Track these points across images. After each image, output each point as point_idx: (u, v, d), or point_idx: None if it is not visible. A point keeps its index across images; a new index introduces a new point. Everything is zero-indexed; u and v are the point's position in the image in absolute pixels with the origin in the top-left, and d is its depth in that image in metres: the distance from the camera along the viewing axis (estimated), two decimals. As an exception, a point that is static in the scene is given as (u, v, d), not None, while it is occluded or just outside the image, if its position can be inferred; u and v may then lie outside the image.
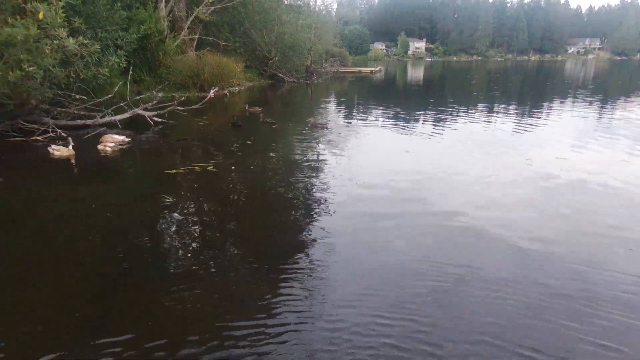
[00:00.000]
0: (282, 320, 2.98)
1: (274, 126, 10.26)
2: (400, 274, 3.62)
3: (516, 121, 11.67)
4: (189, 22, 18.29)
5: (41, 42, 7.03)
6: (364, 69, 38.04)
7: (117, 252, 3.88)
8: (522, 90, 23.91)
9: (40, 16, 6.93)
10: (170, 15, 17.56)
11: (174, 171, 6.26)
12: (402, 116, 12.60)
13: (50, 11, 7.04)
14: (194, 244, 4.10)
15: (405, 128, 10.44)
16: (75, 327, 2.83)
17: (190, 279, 3.43)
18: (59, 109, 8.91)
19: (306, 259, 3.86)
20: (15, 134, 7.86)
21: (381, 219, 4.76)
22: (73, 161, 6.72)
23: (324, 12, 38.13)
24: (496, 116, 12.78)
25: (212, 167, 6.50)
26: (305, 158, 7.33)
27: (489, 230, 4.45)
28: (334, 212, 4.94)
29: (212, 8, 18.92)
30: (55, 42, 7.22)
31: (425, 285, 3.43)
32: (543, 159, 7.35)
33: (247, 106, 12.41)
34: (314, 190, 5.71)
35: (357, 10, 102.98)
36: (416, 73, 42.31)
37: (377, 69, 38.91)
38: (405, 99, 18.99)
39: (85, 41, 7.82)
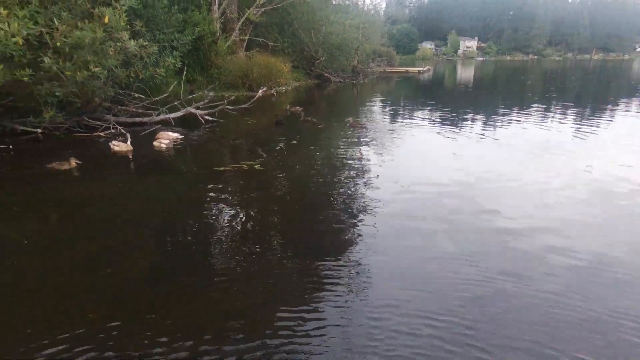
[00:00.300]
0: (322, 316, 3.01)
1: (320, 126, 10.33)
2: (443, 278, 3.54)
3: (575, 124, 10.98)
4: (240, 23, 18.83)
5: (106, 44, 7.52)
6: (411, 69, 37.38)
7: (167, 243, 4.08)
8: (582, 91, 22.46)
9: (106, 20, 7.41)
10: (223, 17, 18.16)
11: (222, 168, 6.48)
12: (450, 118, 12.26)
13: (115, 15, 7.51)
14: (239, 239, 4.22)
15: (453, 130, 10.14)
16: (126, 312, 3.01)
17: (234, 273, 3.54)
18: (119, 106, 9.51)
19: (348, 258, 3.87)
20: (80, 130, 8.47)
21: (425, 222, 4.67)
22: (131, 156, 7.14)
23: (372, 11, 37.86)
24: (552, 119, 12.10)
25: (258, 165, 6.66)
26: (349, 158, 7.33)
27: (541, 241, 4.22)
28: (377, 213, 4.90)
29: (263, 9, 19.36)
30: (118, 44, 7.69)
31: (469, 291, 3.33)
32: (605, 165, 6.86)
33: (288, 106, 12.80)
34: (357, 190, 5.70)
35: (406, 9, 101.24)
36: (466, 73, 40.95)
37: (425, 68, 38.09)
38: (454, 100, 18.44)
39: (145, 43, 8.26)
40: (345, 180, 6.15)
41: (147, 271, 3.62)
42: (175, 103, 10.23)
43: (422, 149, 8.46)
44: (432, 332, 2.82)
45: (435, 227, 4.54)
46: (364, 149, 8.06)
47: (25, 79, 6.73)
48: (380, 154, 7.75)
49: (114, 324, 2.86)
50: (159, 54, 9.31)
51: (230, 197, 5.40)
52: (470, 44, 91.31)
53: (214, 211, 4.93)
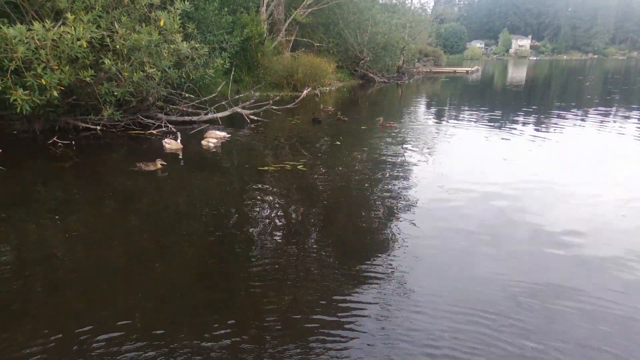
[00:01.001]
0: (360, 319, 3.00)
1: (362, 127, 10.26)
2: (485, 288, 3.42)
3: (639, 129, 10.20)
4: (286, 24, 19.10)
5: (160, 46, 7.87)
6: (458, 69, 36.29)
7: (214, 240, 4.20)
8: (649, 93, 20.80)
9: (161, 23, 7.76)
10: (270, 18, 18.50)
11: (266, 168, 6.59)
12: (500, 120, 11.76)
13: (170, 18, 7.85)
14: (282, 238, 4.27)
15: (503, 133, 9.71)
16: (177, 307, 3.13)
17: (277, 271, 3.58)
18: (170, 106, 9.92)
19: (388, 262, 3.82)
20: (135, 127, 8.93)
21: (470, 229, 4.51)
22: (181, 154, 7.43)
23: (419, 10, 37.09)
24: (614, 123, 11.29)
25: (302, 165, 6.71)
26: (393, 159, 7.22)
27: (593, 255, 3.95)
28: (420, 215, 4.82)
29: (309, 10, 19.53)
30: (171, 46, 8.03)
31: (514, 302, 3.20)
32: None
33: (322, 105, 13.28)
34: (400, 192, 5.61)
35: (455, 7, 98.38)
36: (517, 73, 39.17)
37: (473, 68, 36.84)
38: (504, 102, 17.67)
39: (196, 45, 8.57)
40: (387, 182, 6.07)
41: (194, 267, 3.74)
42: (223, 103, 10.54)
43: (469, 152, 8.17)
44: (468, 341, 2.72)
45: (479, 234, 4.40)
46: (408, 150, 7.91)
47: (88, 79, 7.19)
48: (425, 156, 7.58)
49: (160, 318, 2.98)
50: (208, 55, 9.62)
51: (273, 197, 5.48)
52: (523, 43, 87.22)
53: (258, 210, 5.02)
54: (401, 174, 6.47)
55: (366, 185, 6.00)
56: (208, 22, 11.27)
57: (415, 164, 7.00)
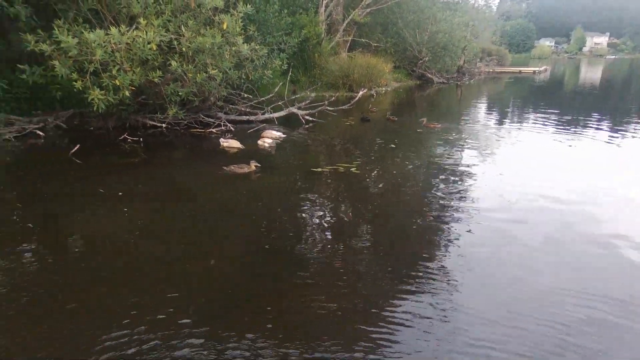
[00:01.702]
0: (407, 329, 2.92)
1: (418, 130, 9.99)
2: (544, 300, 3.23)
3: None
4: (344, 24, 19.08)
5: (223, 48, 8.17)
6: (524, 69, 34.27)
7: (264, 240, 4.27)
8: None
9: (225, 26, 8.05)
10: (328, 19, 18.57)
11: (319, 169, 6.61)
12: (569, 124, 10.92)
13: (232, 21, 8.13)
14: (330, 242, 4.25)
15: (572, 138, 9.01)
16: (225, 304, 3.22)
17: (323, 275, 3.57)
18: (230, 105, 10.28)
19: (440, 270, 3.70)
20: (196, 126, 9.36)
21: (529, 239, 4.27)
22: (238, 153, 7.66)
23: (483, 7, 35.46)
24: None
25: (355, 168, 6.66)
26: (450, 164, 6.94)
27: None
28: (476, 225, 4.59)
29: (368, 10, 19.36)
30: (233, 48, 8.31)
31: (575, 318, 2.99)
32: None
33: (370, 106, 13.21)
34: (455, 199, 5.38)
35: (523, 3, 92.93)
36: (592, 73, 36.24)
37: (541, 68, 34.60)
38: (574, 104, 16.41)
39: (256, 46, 8.80)
40: (443, 187, 5.86)
41: (244, 266, 3.82)
42: (279, 103, 10.75)
43: (533, 157, 7.68)
44: (525, 349, 2.55)
45: (539, 244, 4.17)
46: (467, 155, 7.59)
47: (156, 80, 7.64)
48: (485, 160, 7.22)
49: (208, 314, 3.07)
50: (267, 56, 9.84)
51: (325, 199, 5.48)
52: (599, 40, 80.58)
53: (309, 211, 5.04)
54: (458, 179, 6.21)
55: (420, 190, 5.82)
56: (268, 24, 11.53)
57: (473, 169, 6.69)
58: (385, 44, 21.10)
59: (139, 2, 7.48)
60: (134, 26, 7.51)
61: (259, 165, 6.42)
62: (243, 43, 8.36)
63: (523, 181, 6.18)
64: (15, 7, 7.31)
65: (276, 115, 10.16)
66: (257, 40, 9.94)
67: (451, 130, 9.97)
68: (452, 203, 5.29)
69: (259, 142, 8.19)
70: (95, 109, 7.34)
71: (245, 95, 10.66)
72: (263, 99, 10.81)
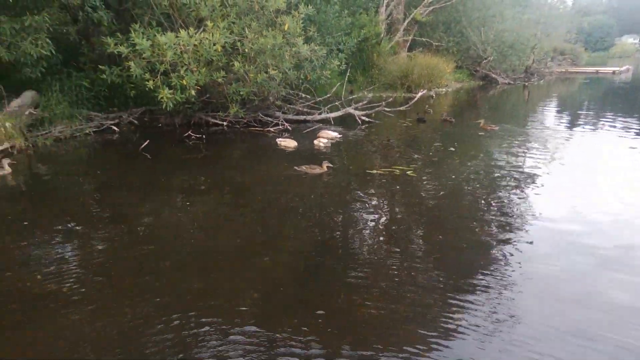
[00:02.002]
0: (459, 342, 2.80)
1: (480, 133, 9.55)
2: (611, 319, 2.99)
3: None
4: (405, 23, 18.71)
5: (283, 49, 8.35)
6: (602, 69, 31.49)
7: (317, 240, 4.30)
8: None
9: (286, 27, 8.22)
10: (389, 18, 18.31)
11: (374, 171, 6.54)
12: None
13: (293, 22, 8.27)
14: (382, 247, 4.18)
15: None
16: (274, 303, 3.27)
17: (375, 280, 3.52)
18: (288, 105, 10.48)
19: (498, 280, 3.53)
20: (255, 125, 9.65)
21: (598, 252, 3.97)
22: (294, 152, 7.79)
23: (557, 3, 33.11)
24: None
25: (411, 171, 6.51)
26: (514, 170, 6.56)
27: None
28: (540, 236, 4.32)
29: (430, 8, 18.84)
30: (293, 48, 8.46)
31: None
32: None
33: (427, 106, 12.85)
34: (518, 208, 5.08)
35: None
36: (684, 74, 32.50)
37: (622, 68, 31.59)
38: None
39: (315, 47, 8.89)
40: (505, 194, 5.55)
41: (295, 265, 3.87)
42: (336, 103, 10.78)
43: (606, 165, 7.05)
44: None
45: (608, 258, 3.87)
46: (533, 161, 7.13)
47: (219, 79, 7.98)
48: (552, 168, 6.74)
49: (257, 312, 3.15)
50: (326, 56, 9.91)
51: (379, 202, 5.41)
52: (693, 37, 71.97)
53: (362, 214, 5.00)
54: (521, 186, 5.85)
55: (480, 196, 5.55)
56: (328, 25, 11.60)
57: (539, 176, 6.27)
58: (447, 43, 20.39)
59: (206, 6, 7.85)
60: (201, 29, 7.90)
61: (331, 166, 6.41)
62: (303, 44, 8.49)
63: (593, 191, 5.71)
64: (99, 13, 7.97)
65: (332, 115, 10.20)
66: (317, 41, 10.05)
67: (516, 134, 9.43)
68: (513, 211, 5.01)
69: (315, 141, 8.27)
70: (163, 107, 7.82)
71: (303, 95, 10.81)
72: (320, 99, 10.91)
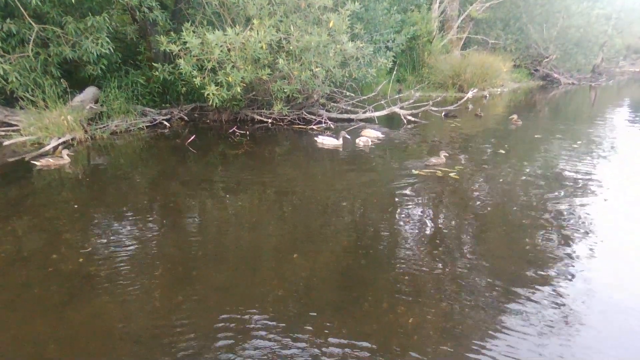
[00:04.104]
0: (511, 351, 2.64)
1: (536, 136, 8.94)
2: None
3: None
4: (459, 21, 18.01)
5: (328, 47, 8.30)
6: (685, 69, 28.47)
7: (354, 241, 4.19)
8: None
9: (331, 25, 8.17)
10: (442, 15, 17.70)
11: (416, 172, 6.31)
12: None
13: (339, 20, 8.20)
14: (421, 250, 4.00)
15: None
16: (305, 303, 3.22)
17: (408, 288, 3.36)
18: (331, 103, 10.43)
19: (550, 294, 3.26)
20: (299, 122, 9.69)
21: None
22: (334, 150, 7.72)
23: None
24: None
25: (455, 173, 6.21)
26: (575, 177, 6.06)
27: None
28: (601, 248, 3.97)
29: (487, 4, 17.99)
30: (338, 46, 8.38)
31: None
32: None
33: (478, 109, 12.15)
34: (577, 217, 4.66)
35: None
36: None
37: None
38: None
39: (361, 44, 8.75)
40: (562, 202, 5.12)
41: (331, 265, 3.78)
42: (382, 102, 10.56)
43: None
44: None
45: None
46: (595, 167, 6.55)
47: (265, 77, 8.08)
48: (617, 176, 6.15)
49: (286, 310, 3.10)
50: (373, 54, 9.74)
51: (420, 204, 5.20)
52: None
53: (402, 216, 4.83)
54: (579, 194, 5.38)
55: (532, 203, 5.16)
56: (376, 22, 11.40)
57: (599, 184, 5.75)
58: (505, 40, 19.36)
59: (254, 4, 7.98)
60: (248, 27, 8.04)
61: (447, 155, 6.67)
62: (348, 41, 8.38)
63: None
64: (154, 13, 8.36)
65: (377, 114, 10.01)
66: (364, 39, 9.89)
67: (578, 137, 8.74)
68: (571, 220, 4.61)
69: (357, 140, 8.14)
70: (210, 103, 8.05)
71: (348, 94, 10.70)
72: (365, 97, 10.75)
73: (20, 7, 6.95)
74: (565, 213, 4.82)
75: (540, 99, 16.55)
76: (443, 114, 10.58)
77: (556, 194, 5.44)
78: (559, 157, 7.23)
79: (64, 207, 4.93)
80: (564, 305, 3.13)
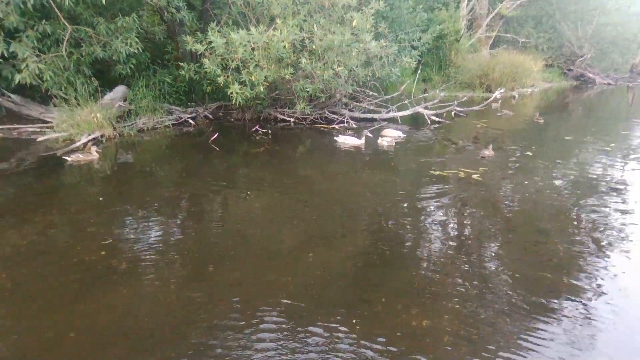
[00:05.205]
0: None
1: (566, 137, 8.61)
2: None
3: None
4: (488, 19, 17.58)
5: (351, 46, 8.26)
6: None
7: (371, 241, 4.15)
8: None
9: (354, 24, 8.12)
10: (470, 14, 17.32)
11: (437, 172, 6.20)
12: None
13: (362, 19, 8.14)
14: (442, 252, 3.92)
15: None
16: (316, 301, 3.21)
17: (423, 292, 3.29)
18: (354, 102, 10.37)
19: (576, 302, 3.14)
20: (321, 122, 9.69)
21: None
22: (356, 150, 7.67)
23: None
24: None
25: (478, 175, 6.06)
26: (604, 182, 5.81)
27: None
28: (630, 254, 3.80)
29: (519, 2, 17.48)
30: (361, 45, 8.33)
31: None
32: None
33: (504, 112, 11.63)
34: (612, 225, 4.47)
35: None
36: None
37: None
38: None
39: (385, 44, 8.66)
40: (590, 206, 4.93)
41: (347, 264, 3.75)
42: (406, 102, 10.43)
43: None
44: None
45: None
46: (631, 172, 6.25)
47: (287, 76, 8.11)
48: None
49: (298, 309, 3.10)
50: (397, 53, 9.62)
51: (440, 204, 5.09)
52: None
53: (421, 216, 4.75)
54: (615, 200, 5.15)
55: (560, 207, 4.98)
56: (401, 21, 11.26)
57: (635, 189, 5.48)
58: (537, 39, 18.76)
59: (278, 4, 8.03)
60: (272, 26, 8.09)
61: (493, 148, 7.02)
62: (372, 40, 8.31)
63: None
64: (181, 13, 8.54)
65: (400, 114, 9.89)
66: (388, 38, 9.79)
67: (612, 140, 8.37)
68: (599, 227, 4.41)
69: (379, 140, 8.07)
70: (233, 102, 8.15)
71: (371, 93, 10.62)
72: (389, 96, 10.64)
73: (55, 9, 7.24)
74: (596, 219, 4.62)
75: (573, 100, 15.96)
76: (453, 113, 10.36)
77: (586, 199, 5.23)
78: (590, 160, 6.95)
79: (90, 200, 5.10)
80: (590, 318, 2.99)
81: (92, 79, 8.33)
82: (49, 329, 2.78)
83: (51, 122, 8.07)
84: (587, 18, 18.87)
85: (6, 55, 7.23)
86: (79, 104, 7.85)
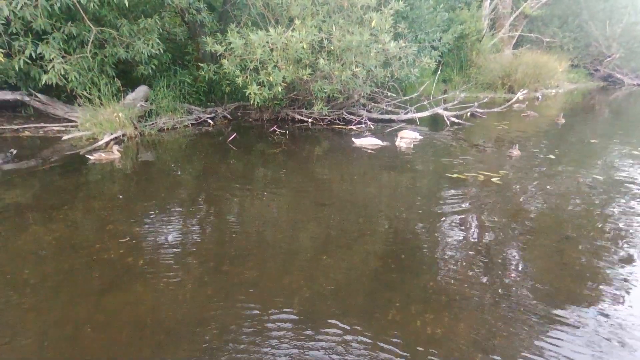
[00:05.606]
0: None
1: (592, 140, 8.34)
2: None
3: None
4: (512, 18, 17.21)
5: (370, 46, 8.21)
6: None
7: (386, 244, 4.11)
8: None
9: (373, 24, 8.07)
10: (493, 13, 16.99)
11: (455, 175, 6.10)
12: None
13: (381, 19, 8.08)
14: (459, 257, 3.85)
15: None
16: (329, 305, 3.19)
17: (449, 294, 3.24)
18: (372, 103, 10.30)
19: (598, 313, 3.03)
20: (339, 123, 9.67)
21: None
22: (374, 151, 7.62)
23: None
24: None
25: (497, 178, 5.93)
26: (629, 187, 5.60)
27: None
28: None
29: (544, 0, 17.04)
30: (379, 45, 8.27)
31: None
32: None
33: (528, 113, 11.47)
34: (629, 232, 4.30)
35: None
36: None
37: None
38: None
39: (404, 44, 8.57)
40: (615, 214, 4.75)
41: (362, 268, 3.72)
42: (425, 103, 10.31)
43: None
44: None
45: None
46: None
47: (305, 77, 8.13)
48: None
49: (310, 311, 3.09)
50: (417, 54, 9.51)
51: (460, 209, 5.00)
52: None
53: (438, 220, 4.67)
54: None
55: (583, 214, 4.83)
56: (421, 21, 11.14)
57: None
58: (562, 39, 18.27)
59: (297, 5, 8.05)
60: (291, 27, 8.12)
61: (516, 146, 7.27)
62: (391, 41, 8.25)
63: None
64: (202, 14, 8.66)
65: (419, 115, 9.77)
66: (408, 38, 9.69)
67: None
68: (625, 236, 4.26)
69: (398, 142, 8.00)
70: (252, 102, 8.22)
71: (389, 94, 10.54)
72: (408, 97, 10.53)
73: (81, 11, 7.44)
74: (621, 227, 4.46)
75: (600, 101, 15.47)
76: (469, 113, 10.21)
77: (612, 205, 5.05)
78: (617, 165, 6.71)
79: (111, 199, 5.22)
80: (612, 330, 2.88)
81: (115, 79, 8.53)
82: (70, 322, 2.86)
83: (76, 121, 8.30)
84: (616, 17, 18.27)
85: (34, 56, 7.48)
86: (102, 104, 8.05)
